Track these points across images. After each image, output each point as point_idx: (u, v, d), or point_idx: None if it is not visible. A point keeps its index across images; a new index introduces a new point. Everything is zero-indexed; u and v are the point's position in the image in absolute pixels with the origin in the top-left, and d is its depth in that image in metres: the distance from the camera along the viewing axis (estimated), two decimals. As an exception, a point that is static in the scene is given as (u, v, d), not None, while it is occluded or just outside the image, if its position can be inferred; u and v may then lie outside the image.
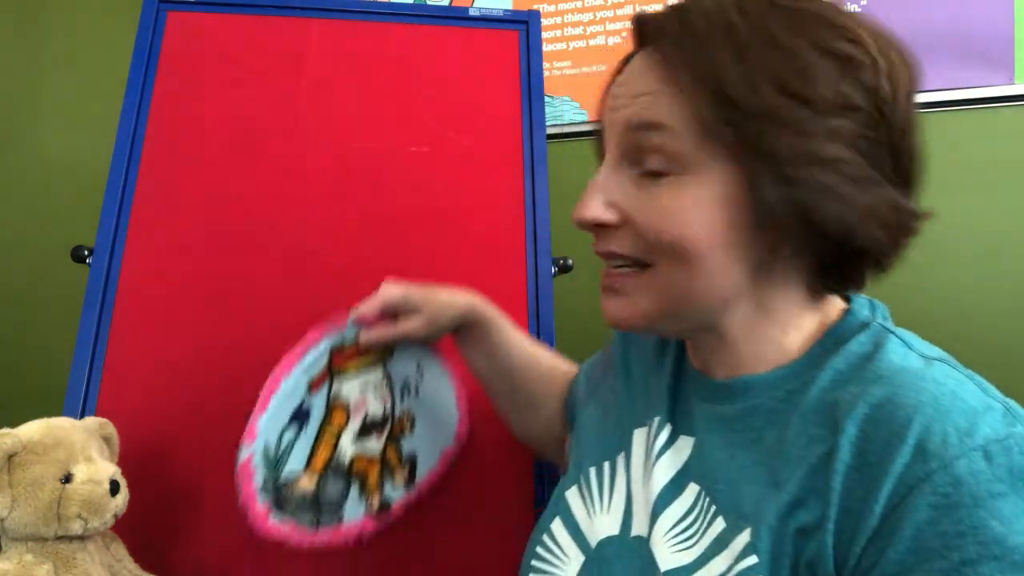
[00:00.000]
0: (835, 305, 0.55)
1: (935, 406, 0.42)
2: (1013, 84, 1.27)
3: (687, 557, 0.50)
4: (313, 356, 0.75)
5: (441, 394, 0.82)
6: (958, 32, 1.29)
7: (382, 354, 0.79)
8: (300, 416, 0.75)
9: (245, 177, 0.97)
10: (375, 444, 0.78)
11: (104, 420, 0.75)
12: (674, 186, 0.49)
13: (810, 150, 0.45)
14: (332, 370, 0.77)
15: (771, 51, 0.46)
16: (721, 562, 0.47)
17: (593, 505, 0.60)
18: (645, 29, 0.52)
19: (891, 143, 0.47)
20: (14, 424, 0.67)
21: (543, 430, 0.82)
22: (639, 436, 0.61)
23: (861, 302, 0.55)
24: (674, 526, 0.52)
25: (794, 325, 0.53)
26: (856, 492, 0.42)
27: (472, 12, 1.10)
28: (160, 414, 0.86)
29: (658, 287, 0.52)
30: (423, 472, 0.80)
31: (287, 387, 0.73)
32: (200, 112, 0.99)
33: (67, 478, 0.65)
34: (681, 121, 0.48)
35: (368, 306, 0.76)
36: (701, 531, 0.50)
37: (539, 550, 0.61)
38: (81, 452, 0.67)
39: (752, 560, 0.45)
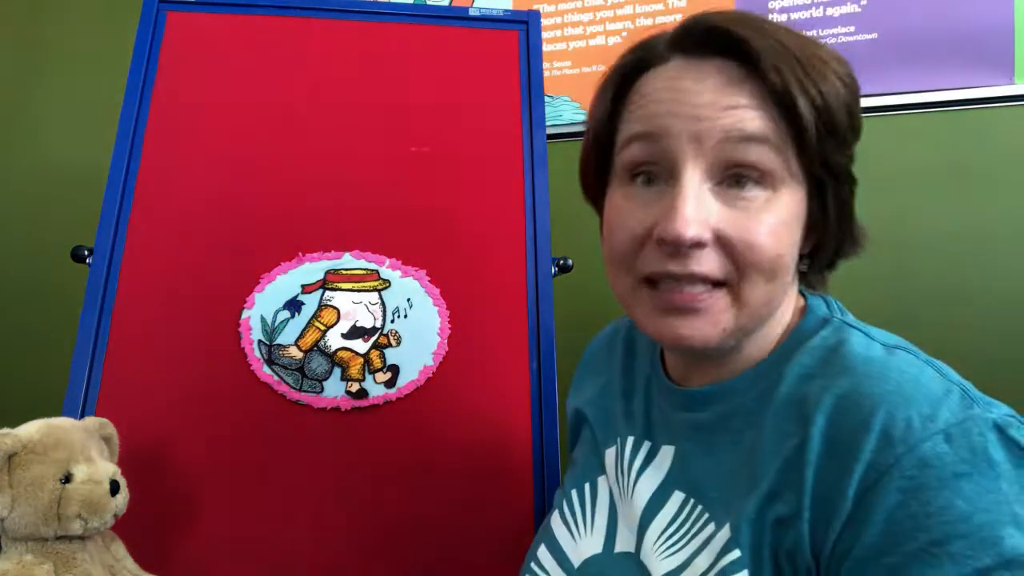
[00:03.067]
0: (795, 305, 0.56)
1: (899, 393, 0.44)
2: (1013, 84, 1.27)
3: (676, 561, 0.50)
4: (308, 269, 0.91)
5: (428, 323, 0.93)
6: (958, 32, 1.29)
7: (377, 283, 0.91)
8: (293, 304, 0.91)
9: (245, 177, 0.97)
10: (361, 345, 0.91)
11: (104, 420, 0.74)
12: (768, 203, 0.48)
13: (848, 169, 0.51)
14: (326, 284, 0.92)
15: (834, 77, 0.48)
16: (704, 559, 0.48)
17: (576, 527, 0.61)
18: (722, 39, 0.49)
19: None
20: (14, 424, 0.67)
21: None
22: (609, 456, 0.62)
23: (816, 301, 0.56)
24: (661, 534, 0.53)
25: (779, 320, 0.54)
26: (828, 480, 0.44)
27: (472, 12, 1.10)
28: (160, 414, 0.86)
29: (743, 304, 0.50)
30: (403, 381, 0.90)
31: (282, 281, 0.90)
32: (200, 112, 0.99)
33: (67, 478, 0.65)
34: (779, 137, 0.48)
35: None
36: (690, 536, 0.51)
37: None
38: (81, 452, 0.67)
39: (735, 555, 0.46)
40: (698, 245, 0.48)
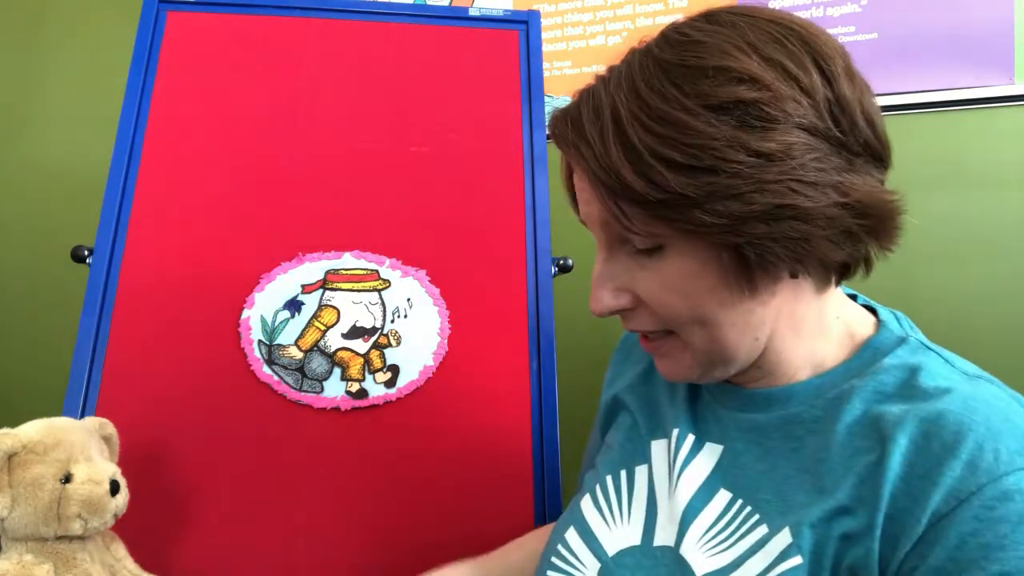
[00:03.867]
0: (865, 318, 0.55)
1: (987, 425, 0.43)
2: (1013, 84, 1.27)
3: (723, 560, 0.50)
4: (308, 269, 0.91)
5: (428, 323, 0.93)
6: (958, 32, 1.29)
7: (377, 283, 0.91)
8: (293, 304, 0.91)
9: (245, 177, 0.97)
10: (361, 345, 0.91)
11: (104, 420, 0.74)
12: (664, 263, 0.50)
13: (741, 212, 0.45)
14: (326, 284, 0.92)
15: (656, 134, 0.45)
16: (758, 562, 0.48)
17: (612, 514, 0.60)
18: (556, 131, 0.52)
19: (844, 147, 0.47)
20: (14, 424, 0.67)
21: None
22: (658, 448, 0.61)
23: (888, 315, 0.55)
24: (706, 532, 0.52)
25: (821, 334, 0.53)
26: (902, 501, 0.43)
27: (472, 12, 1.10)
28: (160, 414, 0.86)
29: (695, 348, 0.52)
30: (403, 381, 0.90)
31: (282, 281, 0.90)
32: (200, 112, 0.99)
33: (67, 478, 0.65)
34: (619, 212, 0.48)
35: None
36: (738, 536, 0.51)
37: (554, 559, 0.61)
38: (81, 452, 0.67)
39: (795, 561, 0.46)
40: (622, 311, 0.53)
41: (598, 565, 0.57)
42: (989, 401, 0.45)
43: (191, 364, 0.89)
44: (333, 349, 0.91)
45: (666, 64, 0.47)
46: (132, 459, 0.76)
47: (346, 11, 1.07)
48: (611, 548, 0.58)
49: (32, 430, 0.66)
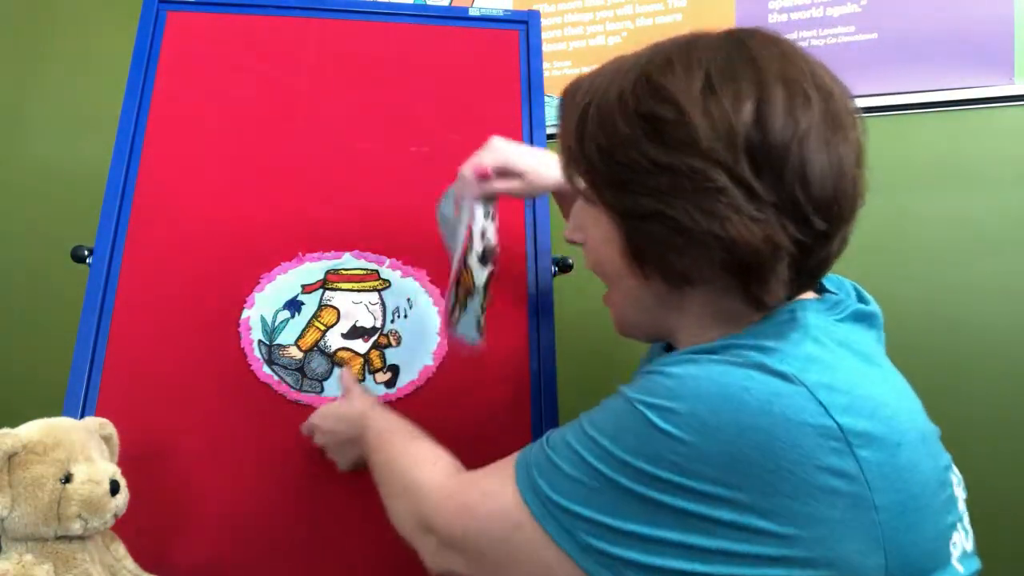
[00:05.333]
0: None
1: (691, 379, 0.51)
2: (1013, 84, 1.27)
3: None
4: (308, 269, 0.90)
5: (428, 323, 0.93)
6: (958, 32, 1.29)
7: (377, 283, 0.91)
8: (293, 304, 0.90)
9: (245, 177, 0.97)
10: (361, 345, 0.91)
11: (104, 420, 0.75)
12: (598, 217, 0.58)
13: (630, 206, 0.53)
14: (326, 284, 0.92)
15: (599, 122, 0.54)
16: None
17: None
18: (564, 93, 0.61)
19: (749, 189, 0.49)
20: (14, 424, 0.67)
21: None
22: None
23: (800, 316, 0.53)
24: None
25: (729, 329, 0.56)
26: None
27: (472, 12, 1.10)
28: (160, 414, 0.86)
29: (611, 303, 0.64)
30: (403, 381, 0.91)
31: (282, 281, 0.90)
32: (200, 112, 0.99)
33: (67, 478, 0.65)
34: (570, 171, 0.59)
35: (483, 159, 0.81)
36: None
37: None
38: (81, 452, 0.67)
39: None
40: (581, 245, 0.64)
41: None
42: (711, 374, 0.48)
43: (191, 364, 0.89)
44: (333, 349, 0.91)
45: (640, 68, 0.53)
46: (132, 459, 0.76)
47: (346, 11, 1.07)
48: None
49: (32, 430, 0.66)
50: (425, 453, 0.68)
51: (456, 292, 0.80)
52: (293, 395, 0.88)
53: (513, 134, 1.03)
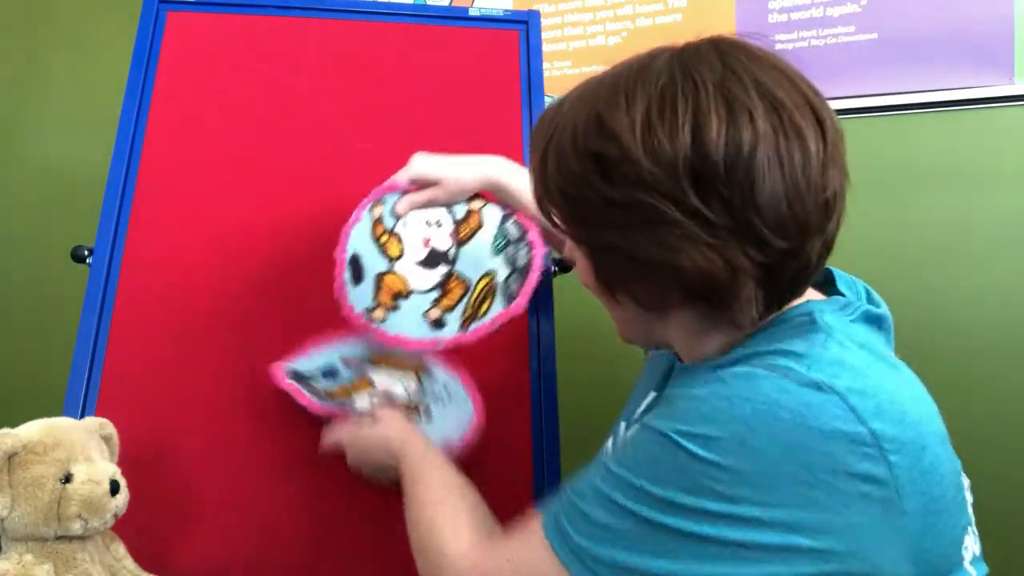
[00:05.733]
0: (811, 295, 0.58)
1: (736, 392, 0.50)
2: (1013, 84, 1.27)
3: None
4: (349, 345, 0.88)
5: (460, 409, 0.88)
6: (958, 32, 1.29)
7: (417, 367, 0.88)
8: (330, 373, 0.87)
9: (245, 177, 0.97)
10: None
11: (104, 420, 0.74)
12: (572, 245, 0.61)
13: (593, 240, 0.56)
14: (370, 359, 0.88)
15: (556, 163, 0.55)
16: None
17: None
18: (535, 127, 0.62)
19: (698, 215, 0.48)
20: (14, 424, 0.67)
21: None
22: (646, 401, 0.68)
23: (820, 320, 0.53)
24: None
25: (725, 337, 0.56)
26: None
27: (472, 12, 1.10)
28: (160, 414, 0.86)
29: (610, 315, 0.64)
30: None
31: (322, 354, 0.87)
32: (200, 112, 0.99)
33: (67, 478, 0.65)
34: (543, 199, 0.60)
35: (400, 175, 0.87)
36: None
37: None
38: (81, 452, 0.67)
39: None
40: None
41: None
42: (760, 386, 0.47)
43: (191, 364, 0.88)
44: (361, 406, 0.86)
45: (592, 101, 0.54)
46: (132, 459, 0.76)
47: (346, 11, 1.07)
48: None
49: (32, 430, 0.66)
50: (454, 509, 0.66)
51: (376, 293, 0.85)
52: (300, 398, 0.85)
53: (513, 134, 1.03)
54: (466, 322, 0.85)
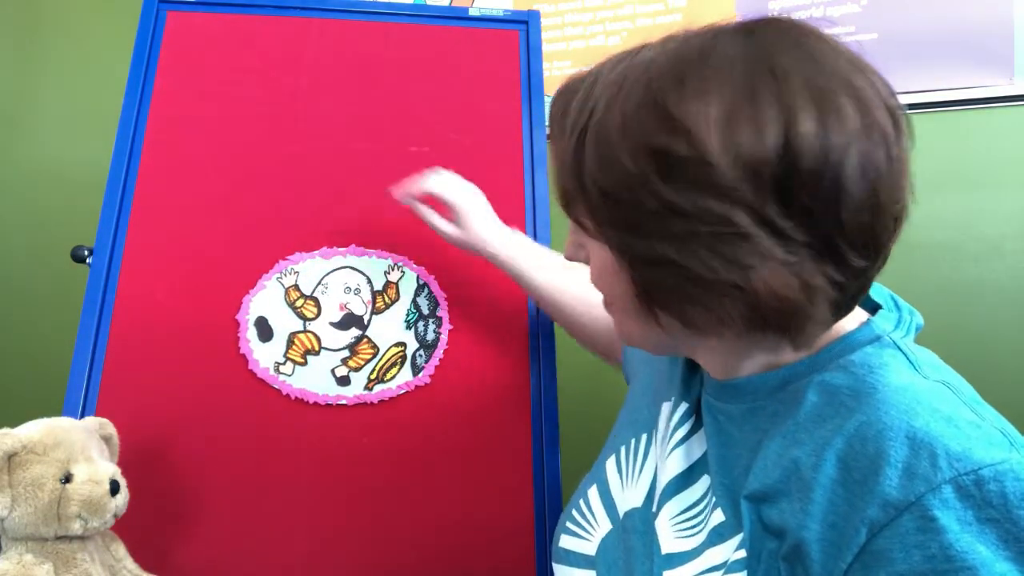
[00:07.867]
0: (851, 317, 0.51)
1: (926, 430, 0.41)
2: (1013, 84, 1.27)
3: (687, 545, 0.51)
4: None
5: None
6: (958, 32, 1.29)
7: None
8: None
9: (245, 177, 0.97)
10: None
11: (104, 420, 0.75)
12: (592, 245, 0.53)
13: (640, 251, 0.46)
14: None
15: (599, 157, 0.45)
16: (718, 554, 0.48)
17: (625, 476, 0.62)
18: (555, 104, 0.53)
19: (778, 232, 0.42)
20: (14, 424, 0.67)
21: (604, 348, 0.86)
22: (665, 410, 0.61)
23: (888, 314, 0.53)
24: (681, 512, 0.53)
25: (761, 354, 0.52)
26: (841, 508, 0.42)
27: (472, 12, 1.10)
28: (160, 414, 0.86)
29: (615, 317, 0.56)
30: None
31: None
32: (200, 112, 0.99)
33: (67, 478, 0.65)
34: (571, 196, 0.50)
35: (418, 184, 0.86)
36: (704, 522, 0.51)
37: (574, 513, 0.64)
38: (81, 452, 0.67)
39: (742, 554, 0.46)
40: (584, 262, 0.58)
41: (610, 526, 0.60)
42: (933, 405, 0.43)
43: (191, 364, 0.89)
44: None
45: (646, 86, 0.45)
46: (132, 459, 0.76)
47: (346, 11, 1.07)
48: (621, 509, 0.60)
49: (32, 430, 0.66)
50: None
51: (287, 349, 0.90)
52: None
53: (513, 134, 1.03)
54: (371, 384, 0.90)
